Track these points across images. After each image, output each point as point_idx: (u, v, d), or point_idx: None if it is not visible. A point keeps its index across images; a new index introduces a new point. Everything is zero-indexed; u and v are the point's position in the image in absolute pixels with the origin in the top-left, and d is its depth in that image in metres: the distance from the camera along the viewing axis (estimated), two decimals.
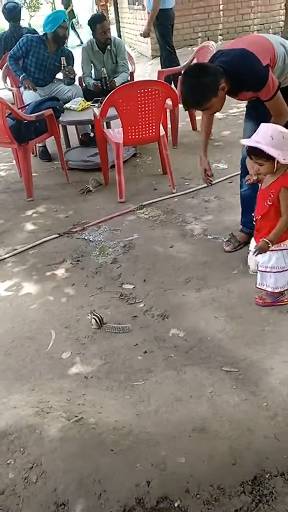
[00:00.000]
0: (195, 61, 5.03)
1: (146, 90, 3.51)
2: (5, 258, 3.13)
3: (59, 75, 4.80)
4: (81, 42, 12.50)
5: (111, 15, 12.87)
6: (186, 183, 3.94)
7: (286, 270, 2.24)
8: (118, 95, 3.52)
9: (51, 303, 2.63)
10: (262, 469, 1.55)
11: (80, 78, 4.96)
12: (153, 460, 1.60)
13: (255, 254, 2.23)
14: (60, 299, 2.66)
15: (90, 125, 4.67)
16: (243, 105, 2.64)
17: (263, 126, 2.09)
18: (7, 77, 5.20)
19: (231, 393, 1.88)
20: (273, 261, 2.22)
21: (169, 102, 3.79)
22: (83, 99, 4.46)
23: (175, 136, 4.76)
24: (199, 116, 3.77)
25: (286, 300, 2.36)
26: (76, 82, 4.82)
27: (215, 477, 1.53)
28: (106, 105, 3.60)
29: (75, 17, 14.79)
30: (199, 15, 9.52)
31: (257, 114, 2.41)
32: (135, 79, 5.02)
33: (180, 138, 4.81)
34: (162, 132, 3.80)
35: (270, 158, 2.03)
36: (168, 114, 4.39)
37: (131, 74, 5.06)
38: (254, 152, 2.07)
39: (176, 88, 4.34)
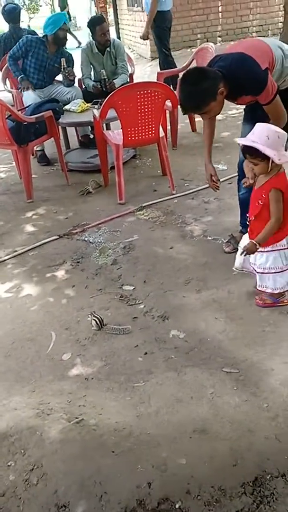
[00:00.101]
0: (194, 62, 5.05)
1: (145, 92, 3.52)
2: (5, 260, 3.13)
3: (59, 77, 4.81)
4: (79, 43, 12.45)
5: (110, 17, 12.88)
6: (185, 184, 3.94)
7: (284, 270, 2.24)
8: (117, 96, 3.52)
9: (51, 304, 2.63)
10: (263, 470, 1.55)
11: (79, 80, 4.96)
12: (154, 461, 1.60)
13: (243, 254, 2.25)
14: (60, 300, 2.66)
15: (89, 127, 4.68)
16: (242, 106, 2.65)
17: (258, 126, 2.09)
18: (7, 79, 5.21)
19: (231, 394, 1.88)
20: (270, 262, 2.22)
21: (168, 103, 3.80)
22: (83, 100, 4.47)
23: (174, 138, 4.77)
24: (198, 117, 3.78)
25: (286, 301, 2.36)
26: (76, 84, 4.83)
27: (216, 478, 1.53)
28: (106, 107, 3.61)
29: (71, 20, 14.76)
30: (198, 16, 9.54)
31: (256, 117, 2.41)
32: (135, 81, 5.03)
33: (179, 139, 4.82)
34: (161, 133, 3.80)
35: (265, 158, 2.04)
36: (167, 115, 4.40)
37: (131, 76, 5.07)
38: (250, 152, 2.08)
39: (175, 90, 4.34)
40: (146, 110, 3.57)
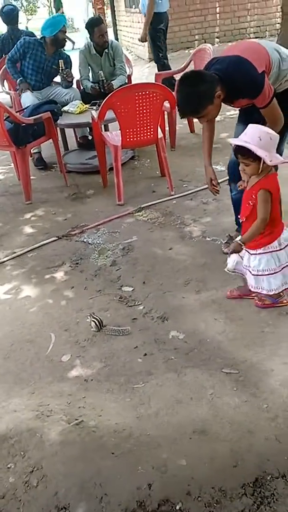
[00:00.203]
0: (192, 64, 5.05)
1: (143, 93, 3.52)
2: (4, 262, 3.12)
3: (57, 78, 4.81)
4: (73, 43, 12.37)
5: (108, 18, 12.91)
6: (184, 185, 3.94)
7: (277, 272, 2.24)
8: (116, 98, 3.53)
9: (51, 306, 2.63)
10: (263, 471, 1.55)
11: (77, 81, 4.97)
12: (154, 462, 1.60)
13: (230, 254, 2.27)
14: (59, 302, 2.66)
15: (88, 128, 4.68)
16: None
17: (250, 127, 2.10)
18: (5, 80, 5.21)
19: (231, 395, 1.88)
20: (263, 265, 2.23)
21: (167, 104, 3.80)
22: (81, 102, 4.47)
23: (173, 139, 4.77)
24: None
25: (285, 301, 2.37)
26: (74, 85, 4.82)
27: (216, 479, 1.53)
28: (104, 108, 3.61)
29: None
30: (196, 17, 9.56)
31: (251, 120, 2.41)
32: (133, 82, 5.03)
33: (178, 140, 4.82)
34: (160, 134, 3.81)
35: (257, 159, 2.05)
36: (166, 116, 4.40)
37: (129, 77, 5.07)
38: (242, 152, 2.08)
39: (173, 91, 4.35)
40: (144, 111, 3.57)
